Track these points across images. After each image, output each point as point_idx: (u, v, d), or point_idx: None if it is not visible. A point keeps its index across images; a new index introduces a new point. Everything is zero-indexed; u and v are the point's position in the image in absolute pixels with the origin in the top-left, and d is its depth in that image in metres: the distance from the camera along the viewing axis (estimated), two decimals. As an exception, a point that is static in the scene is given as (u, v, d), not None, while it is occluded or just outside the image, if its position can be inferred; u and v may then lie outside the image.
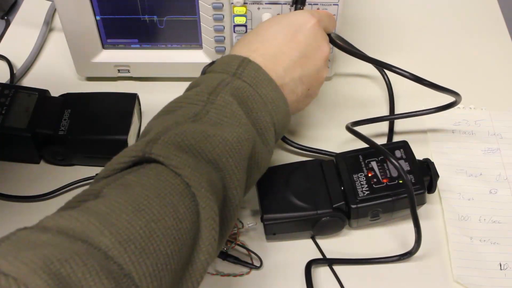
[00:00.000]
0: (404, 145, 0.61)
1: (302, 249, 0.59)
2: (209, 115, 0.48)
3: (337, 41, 0.60)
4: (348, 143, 0.66)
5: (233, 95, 0.49)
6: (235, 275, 0.57)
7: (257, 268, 0.58)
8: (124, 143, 0.63)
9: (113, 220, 0.37)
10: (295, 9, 0.63)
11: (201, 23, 0.68)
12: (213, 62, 0.55)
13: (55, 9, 0.78)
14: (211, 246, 0.42)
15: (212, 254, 0.42)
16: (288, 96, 0.54)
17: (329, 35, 0.59)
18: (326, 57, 0.57)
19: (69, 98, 0.67)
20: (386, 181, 0.58)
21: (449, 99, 0.62)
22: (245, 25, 0.67)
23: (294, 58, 0.54)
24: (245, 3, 0.64)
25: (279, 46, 0.54)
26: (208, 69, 0.55)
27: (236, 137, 0.47)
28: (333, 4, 0.64)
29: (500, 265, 0.58)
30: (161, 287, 0.38)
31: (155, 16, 0.69)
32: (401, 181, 0.57)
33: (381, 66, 0.65)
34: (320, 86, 0.58)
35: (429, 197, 0.61)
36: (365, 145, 0.59)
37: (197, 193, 0.42)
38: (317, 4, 0.64)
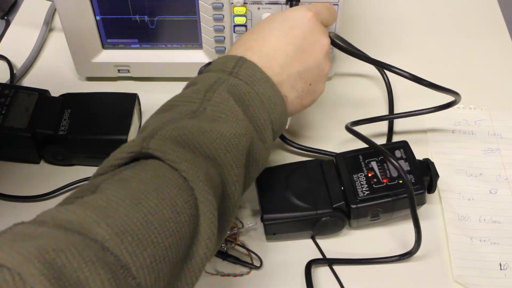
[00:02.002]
0: (404, 145, 0.61)
1: (302, 249, 0.59)
2: (206, 112, 0.48)
3: (336, 40, 0.60)
4: (348, 143, 0.66)
5: (230, 92, 0.49)
6: (235, 275, 0.57)
7: (257, 268, 0.58)
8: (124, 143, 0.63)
9: (110, 213, 0.37)
10: (291, 6, 0.63)
11: (201, 23, 0.68)
12: (209, 63, 0.55)
13: (55, 9, 0.78)
14: (210, 240, 0.42)
15: (211, 249, 0.42)
16: (288, 93, 0.54)
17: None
18: (326, 51, 0.56)
19: (69, 98, 0.67)
20: (386, 181, 0.58)
21: (449, 98, 0.62)
22: (245, 25, 0.67)
23: (290, 54, 0.54)
24: (245, 3, 0.64)
25: (274, 43, 0.54)
26: (204, 69, 0.55)
27: (233, 132, 0.47)
28: (333, 4, 0.64)
29: (500, 265, 0.58)
30: (159, 279, 0.38)
31: (155, 16, 0.69)
32: (401, 181, 0.57)
33: (380, 66, 0.65)
34: (323, 80, 0.57)
35: (429, 197, 0.61)
36: (365, 145, 0.58)
37: (195, 187, 0.42)
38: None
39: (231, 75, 0.51)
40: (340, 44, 0.60)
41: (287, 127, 0.60)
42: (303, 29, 0.55)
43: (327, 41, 0.56)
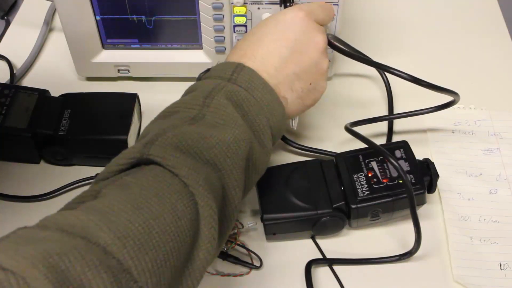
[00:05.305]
0: (404, 145, 0.61)
1: (302, 249, 0.59)
2: (205, 118, 0.48)
3: (334, 42, 0.60)
4: (348, 143, 0.66)
5: (228, 98, 0.50)
6: (235, 275, 0.57)
7: (257, 268, 0.58)
8: (124, 143, 0.63)
9: (112, 218, 0.38)
10: (285, 7, 0.63)
11: (201, 23, 0.68)
12: (208, 70, 0.55)
13: (55, 9, 0.78)
14: (210, 244, 0.42)
15: (211, 253, 0.43)
16: (287, 94, 0.54)
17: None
18: (322, 48, 0.56)
19: (69, 98, 0.67)
20: (386, 181, 0.58)
21: (449, 98, 0.62)
22: (245, 25, 0.67)
23: (284, 56, 0.54)
24: (245, 3, 0.64)
25: (266, 47, 0.54)
26: (203, 76, 0.55)
27: (232, 138, 0.47)
28: (334, 4, 0.64)
29: (500, 265, 0.58)
30: (160, 283, 0.38)
31: (153, 16, 0.69)
32: (401, 181, 0.57)
33: (378, 67, 0.66)
34: (323, 78, 0.57)
35: (429, 197, 0.61)
36: (365, 145, 0.58)
37: (195, 192, 0.42)
38: (317, 4, 0.64)
39: (229, 82, 0.51)
40: (338, 46, 0.60)
41: (295, 127, 0.61)
42: (295, 29, 0.55)
43: (322, 38, 0.56)
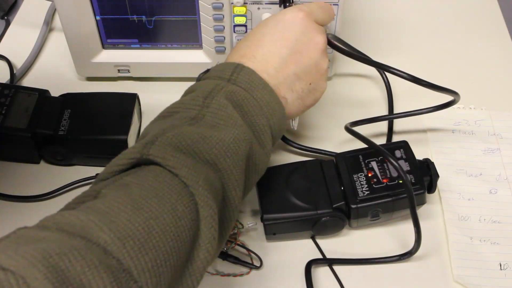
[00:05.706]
0: (404, 145, 0.61)
1: (302, 249, 0.59)
2: (205, 118, 0.48)
3: (334, 42, 0.60)
4: (348, 143, 0.66)
5: (228, 98, 0.50)
6: (235, 275, 0.57)
7: (257, 268, 0.58)
8: (124, 143, 0.63)
9: (112, 218, 0.38)
10: (285, 7, 0.63)
11: (201, 23, 0.68)
12: (208, 70, 0.55)
13: (55, 9, 0.78)
14: (210, 245, 0.42)
15: (211, 253, 0.43)
16: (287, 95, 0.54)
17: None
18: (322, 48, 0.56)
19: (69, 98, 0.67)
20: (386, 181, 0.58)
21: (449, 98, 0.62)
22: (245, 25, 0.67)
23: (284, 56, 0.54)
24: (245, 3, 0.64)
25: (266, 47, 0.54)
26: (203, 76, 0.55)
27: (232, 138, 0.47)
28: (333, 4, 0.64)
29: (500, 265, 0.58)
30: (160, 283, 0.38)
31: (153, 16, 0.69)
32: (401, 181, 0.57)
33: (378, 67, 0.66)
34: (323, 78, 0.57)
35: (429, 197, 0.61)
36: (365, 145, 0.58)
37: (195, 192, 0.42)
38: (317, 4, 0.64)
39: (229, 82, 0.51)
40: (338, 46, 0.60)
41: (295, 127, 0.61)
42: (295, 30, 0.55)
43: (321, 39, 0.56)
